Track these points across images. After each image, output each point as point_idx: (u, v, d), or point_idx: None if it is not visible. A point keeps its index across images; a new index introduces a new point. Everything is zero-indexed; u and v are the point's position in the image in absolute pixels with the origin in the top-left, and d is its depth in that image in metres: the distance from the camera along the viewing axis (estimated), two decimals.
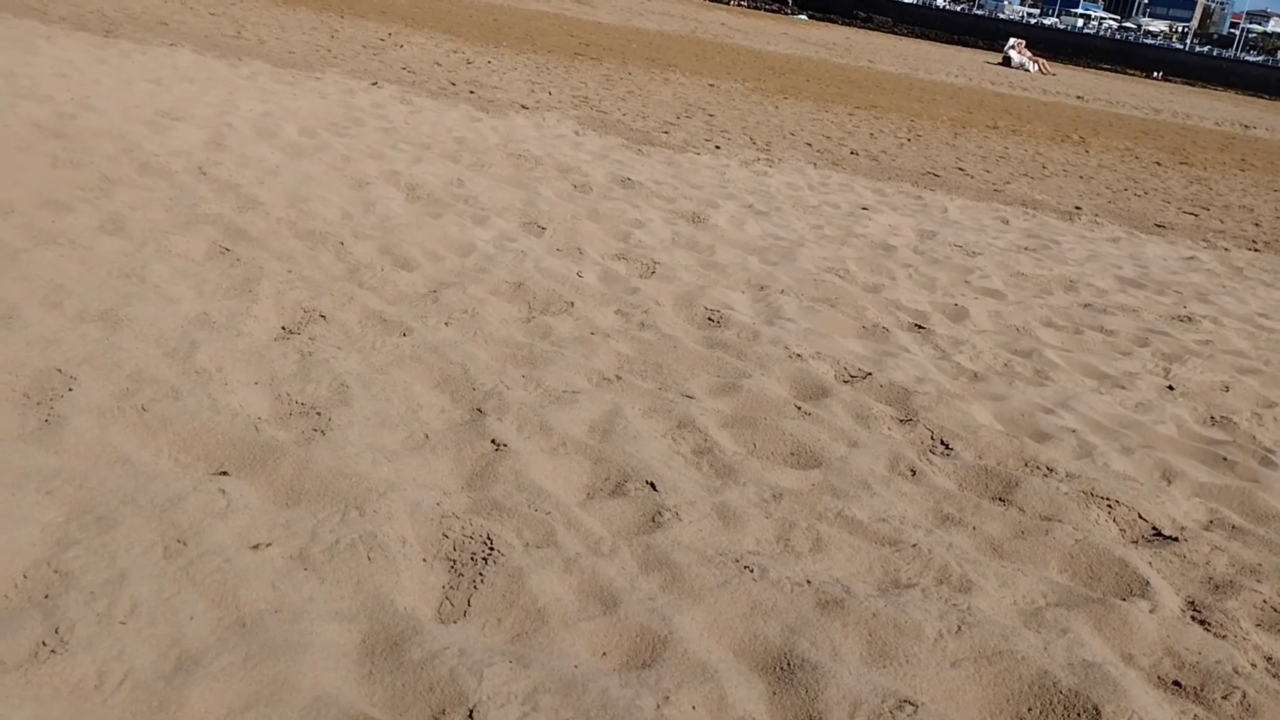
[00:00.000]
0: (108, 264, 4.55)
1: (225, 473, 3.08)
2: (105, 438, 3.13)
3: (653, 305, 5.17)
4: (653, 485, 3.32)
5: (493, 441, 3.45)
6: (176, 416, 3.30)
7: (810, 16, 72.44)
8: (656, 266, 5.89)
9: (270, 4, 17.93)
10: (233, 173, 6.40)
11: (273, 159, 6.96)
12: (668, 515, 3.15)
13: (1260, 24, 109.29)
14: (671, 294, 5.43)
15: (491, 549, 2.85)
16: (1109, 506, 3.64)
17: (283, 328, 4.22)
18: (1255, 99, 54.53)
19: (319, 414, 3.48)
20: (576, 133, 10.11)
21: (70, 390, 3.35)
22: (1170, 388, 5.18)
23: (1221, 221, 11.16)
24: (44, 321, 3.82)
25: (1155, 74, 64.34)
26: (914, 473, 3.73)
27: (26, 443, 3.02)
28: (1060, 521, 3.50)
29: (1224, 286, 7.85)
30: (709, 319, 5.11)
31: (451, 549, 2.86)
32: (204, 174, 6.26)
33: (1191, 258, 8.83)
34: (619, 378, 4.18)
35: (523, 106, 11.24)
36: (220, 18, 14.86)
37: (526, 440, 3.53)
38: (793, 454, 3.76)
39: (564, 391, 3.95)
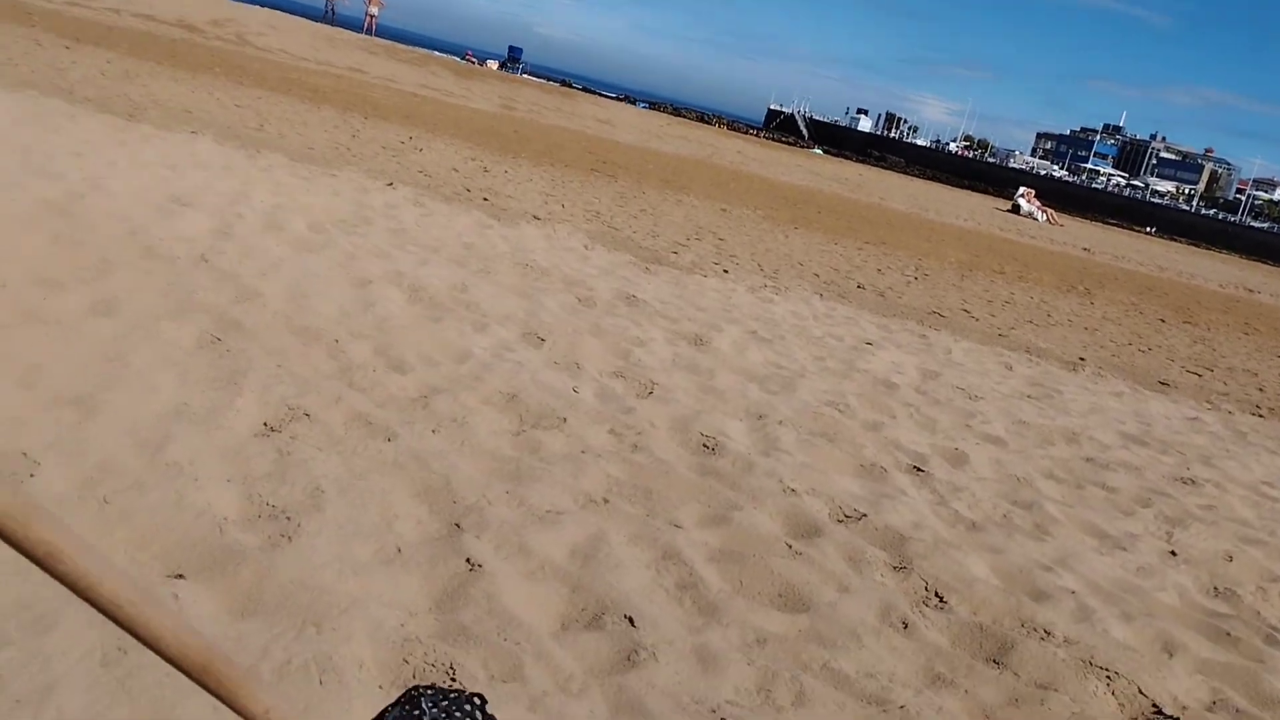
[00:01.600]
0: (92, 347, 4.44)
1: (181, 575, 2.92)
2: None
3: (647, 427, 5.05)
4: (631, 620, 3.15)
5: (468, 560, 3.29)
6: (138, 511, 3.16)
7: (825, 151, 74.00)
8: (654, 387, 5.78)
9: (296, 100, 18.26)
10: (235, 263, 6.35)
11: (277, 252, 6.92)
12: (644, 654, 2.98)
13: (1266, 191, 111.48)
14: (668, 417, 5.31)
15: (453, 679, 2.67)
16: (1108, 678, 3.46)
17: (264, 424, 4.09)
18: (1260, 264, 55.24)
19: (289, 518, 3.33)
20: (586, 246, 10.13)
21: (31, 476, 3.21)
22: (1173, 553, 5.01)
23: (1225, 384, 11.09)
24: (15, 402, 3.69)
25: (1149, 229, 65.45)
26: (906, 625, 3.55)
27: None
28: (1057, 691, 3.31)
29: (1228, 451, 7.73)
30: (704, 445, 4.98)
31: (411, 676, 2.68)
32: (206, 262, 6.21)
33: (1195, 419, 8.72)
34: (606, 500, 4.03)
35: (535, 217, 11.30)
36: (245, 110, 15.10)
37: (503, 561, 3.37)
38: (780, 595, 3.59)
39: (548, 511, 3.80)
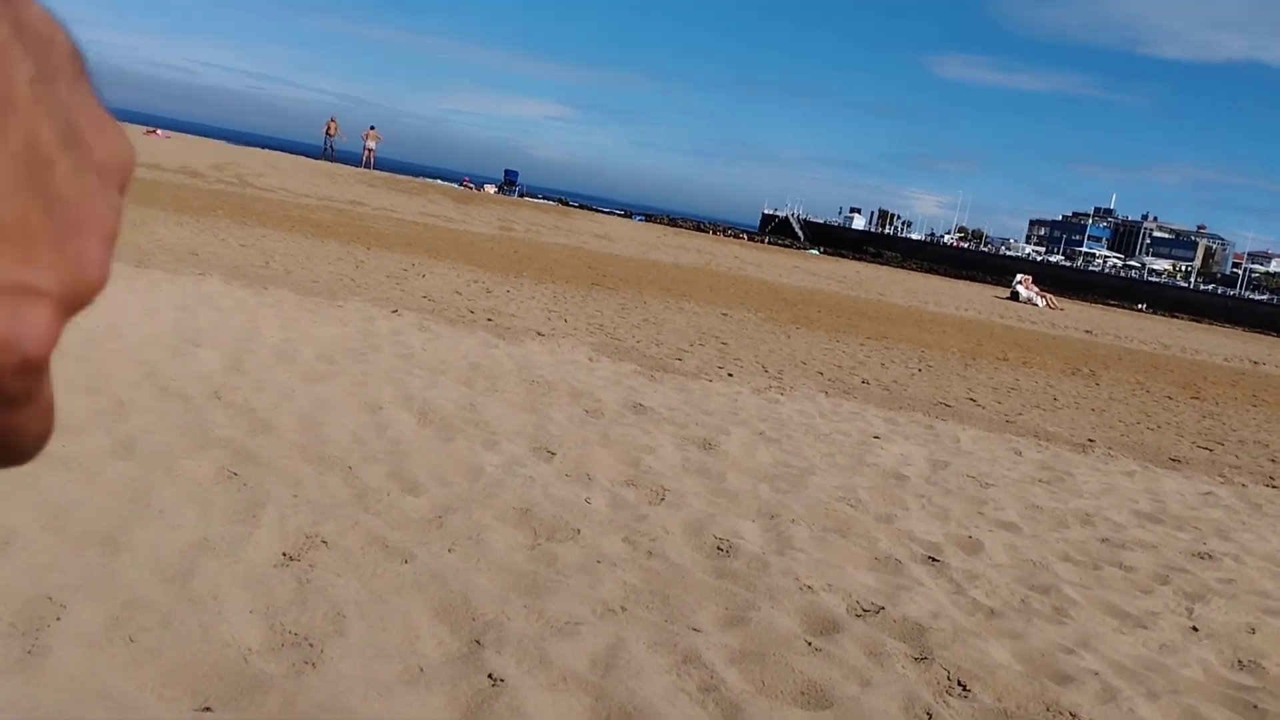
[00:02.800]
0: (115, 487, 4.54)
1: (209, 708, 2.97)
2: (90, 669, 3.03)
3: (661, 533, 5.10)
4: None
5: (490, 676, 3.33)
6: (165, 647, 3.21)
7: (821, 251, 74.91)
8: (666, 493, 5.84)
9: (300, 236, 18.67)
10: (248, 397, 6.48)
11: (289, 383, 7.06)
12: None
13: (1262, 264, 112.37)
14: (680, 521, 5.36)
15: None
16: None
17: (283, 553, 4.16)
18: (1262, 336, 55.36)
19: (312, 645, 3.38)
20: (590, 359, 10.28)
21: (59, 619, 3.27)
22: (1194, 628, 5.01)
23: (1237, 457, 11.10)
24: (42, 546, 3.77)
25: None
26: (930, 716, 3.56)
27: (6, 674, 2.93)
28: None
29: (1243, 523, 7.72)
30: (718, 548, 5.02)
31: None
32: (219, 398, 6.34)
33: (1209, 493, 8.73)
34: (624, 609, 4.07)
35: (538, 333, 11.48)
36: (250, 249, 15.45)
37: (525, 674, 3.40)
38: (803, 693, 3.61)
39: (566, 622, 3.83)
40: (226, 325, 8.80)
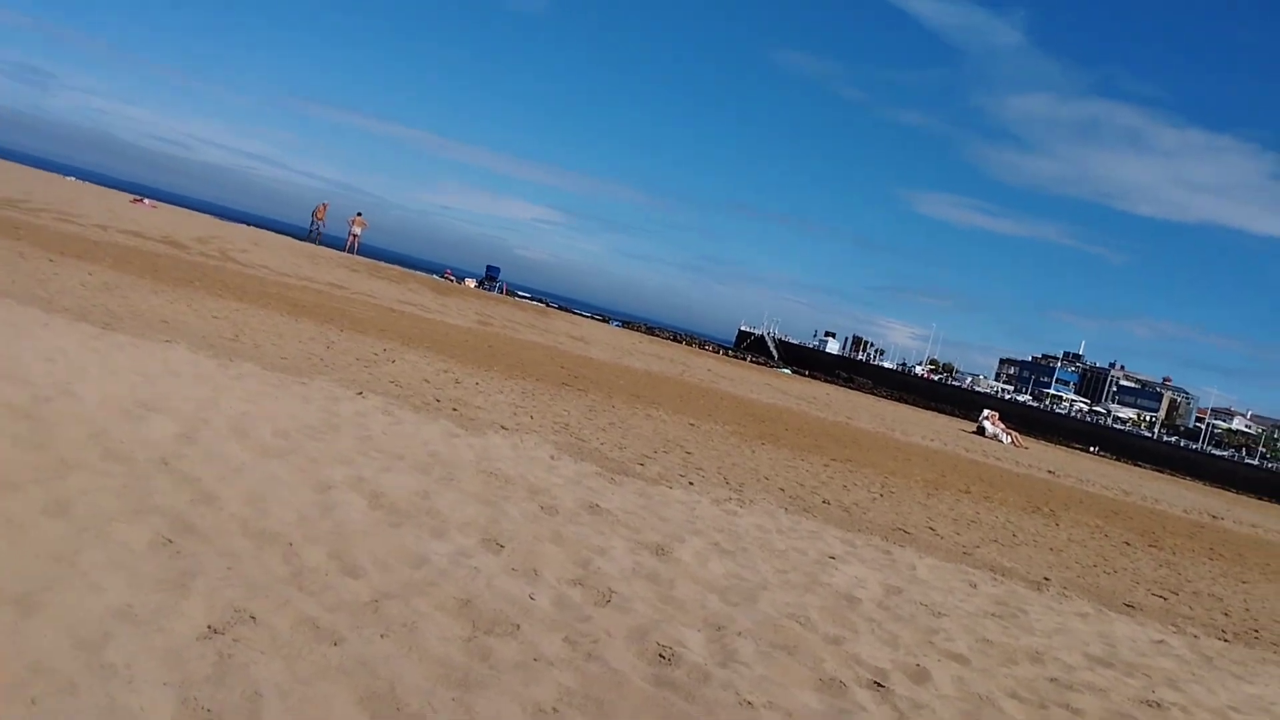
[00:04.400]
0: (41, 546, 4.39)
1: None
2: None
3: (603, 636, 4.97)
4: None
5: None
6: (64, 714, 3.06)
7: (794, 371, 75.47)
8: (613, 596, 5.71)
9: (275, 313, 18.60)
10: (196, 466, 6.34)
11: (240, 457, 6.93)
12: None
13: (1225, 420, 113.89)
14: (625, 626, 5.23)
15: None
16: None
17: (209, 627, 4.01)
18: (1222, 491, 55.89)
19: None
20: (552, 457, 10.18)
21: None
22: None
23: (1191, 608, 11.05)
24: None
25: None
26: None
27: None
28: None
29: (1194, 675, 7.64)
30: (660, 655, 4.89)
31: None
32: (166, 465, 6.20)
33: (1161, 641, 8.65)
34: (556, 710, 3.93)
35: (503, 427, 11.39)
36: (222, 321, 15.36)
37: None
38: None
39: None
40: (186, 394, 8.67)
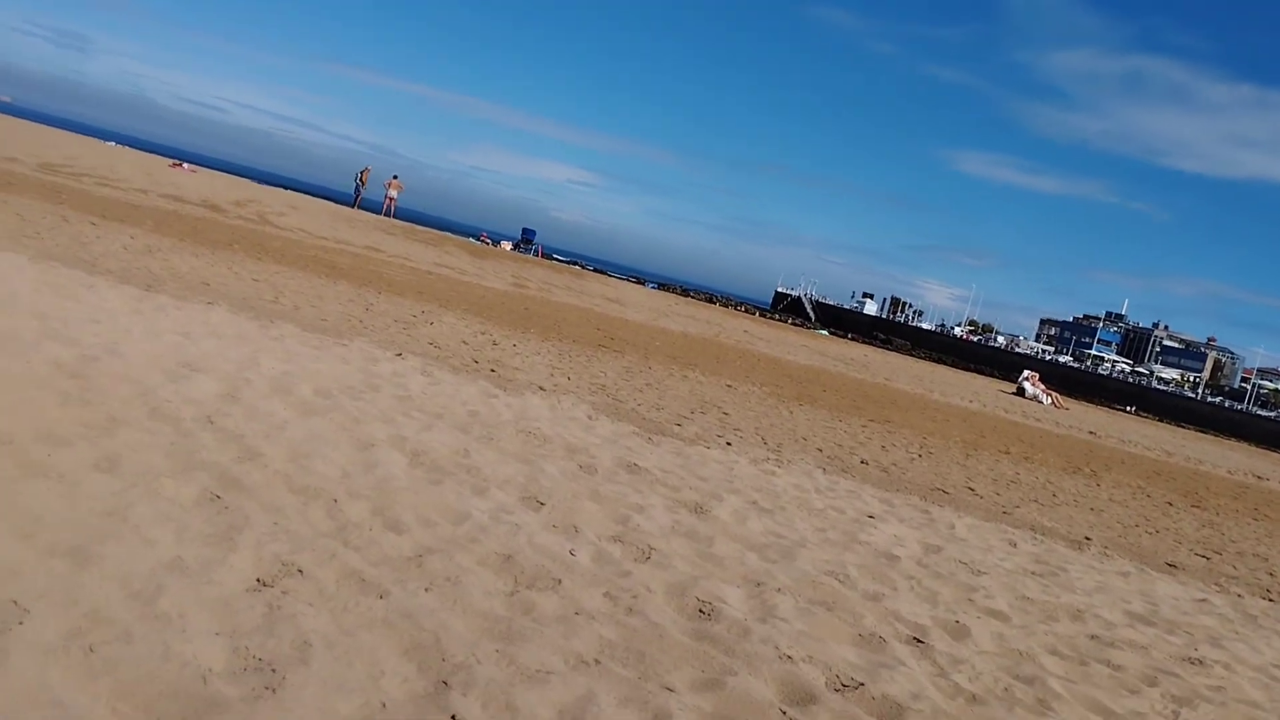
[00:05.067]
0: (92, 501, 4.48)
1: None
2: (44, 678, 2.95)
3: (643, 591, 5.01)
4: None
5: (453, 717, 3.24)
6: (124, 661, 3.13)
7: (831, 333, 75.08)
8: (652, 552, 5.76)
9: (313, 276, 18.74)
10: (240, 424, 6.43)
11: (283, 415, 7.01)
12: None
13: (1271, 380, 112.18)
14: (664, 582, 5.27)
15: None
16: None
17: (257, 579, 4.08)
18: (1268, 452, 55.12)
19: (274, 671, 3.30)
20: (590, 417, 10.22)
21: (20, 624, 3.20)
22: None
23: (1235, 568, 10.95)
24: (11, 552, 3.71)
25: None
26: None
27: None
28: None
29: (1237, 633, 7.58)
30: (700, 611, 4.92)
31: None
32: (211, 423, 6.29)
33: (1203, 600, 8.59)
34: (598, 662, 3.98)
35: (540, 388, 11.45)
36: (261, 284, 15.50)
37: (490, 719, 3.31)
38: None
39: (537, 671, 3.74)
40: (227, 354, 8.77)
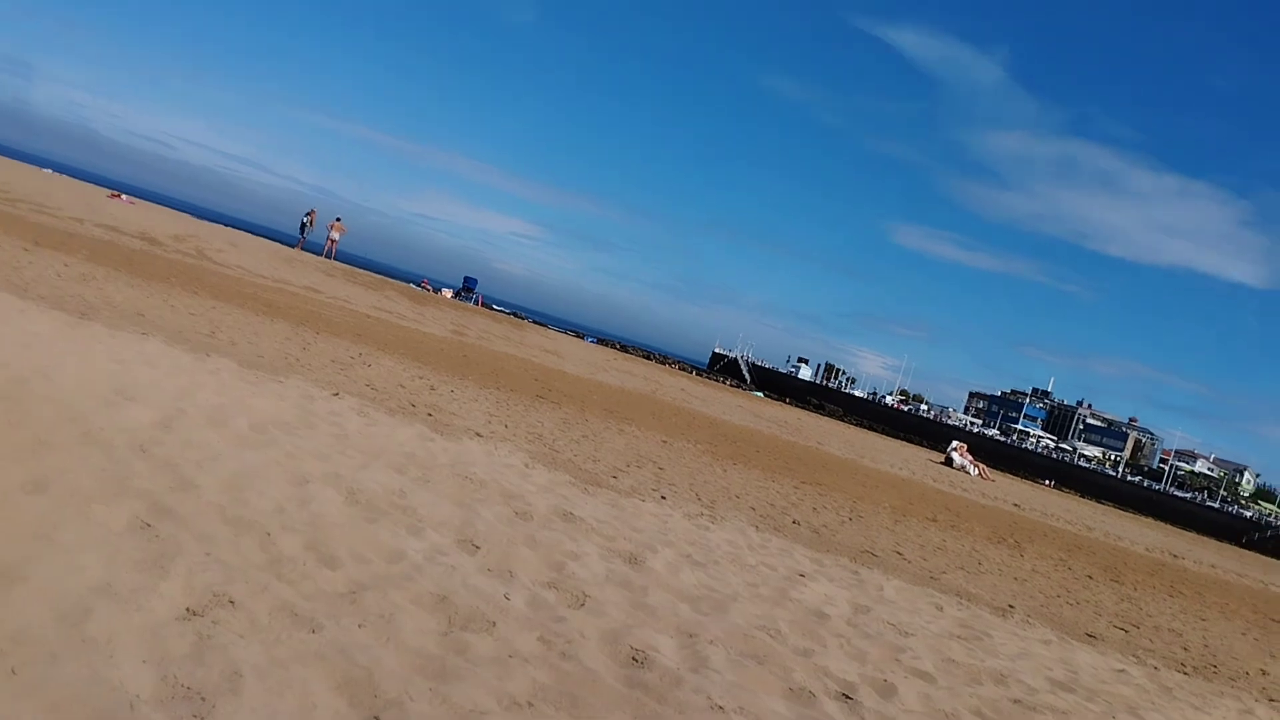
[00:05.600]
0: (20, 522, 4.38)
1: None
2: None
3: (577, 637, 5.00)
4: None
5: None
6: (49, 683, 3.07)
7: (766, 395, 75.68)
8: (587, 600, 5.75)
9: (250, 313, 18.53)
10: (173, 453, 6.33)
11: (218, 446, 6.92)
12: None
13: (1188, 463, 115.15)
14: (598, 628, 5.27)
15: None
16: None
17: (187, 608, 4.02)
18: (1184, 532, 56.49)
19: (204, 700, 3.25)
20: (526, 465, 10.20)
21: None
22: None
23: (1151, 641, 11.18)
24: None
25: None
26: None
27: None
28: None
29: (1153, 703, 7.74)
30: (633, 659, 4.93)
31: None
32: (144, 451, 6.19)
33: (1122, 670, 8.76)
34: (531, 704, 3.96)
35: (477, 434, 11.40)
36: (199, 318, 15.29)
37: None
38: None
39: (470, 711, 3.72)
40: (162, 384, 8.64)
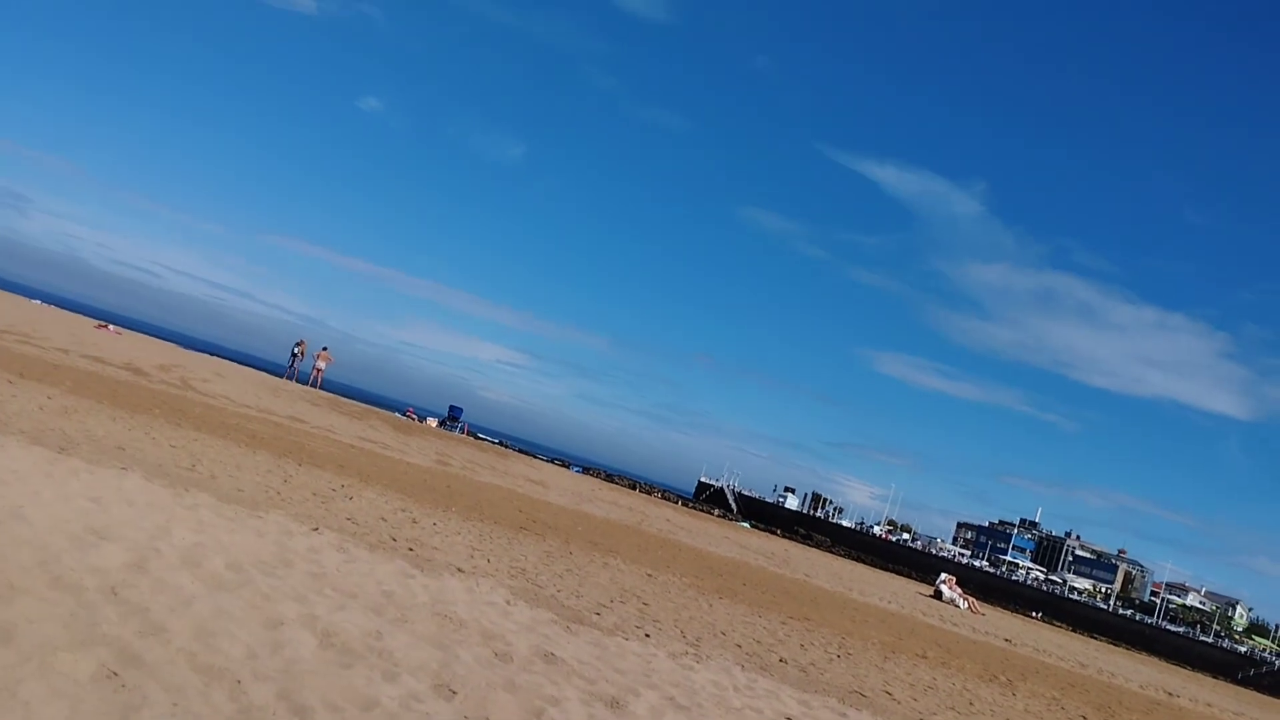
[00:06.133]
0: None
1: None
2: None
3: None
4: None
5: None
6: None
7: (753, 525, 75.13)
8: None
9: (232, 444, 18.42)
10: (145, 597, 6.21)
11: (191, 588, 6.79)
12: None
13: (1179, 596, 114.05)
14: None
15: None
16: None
17: None
18: (1178, 668, 55.58)
19: None
20: (508, 601, 10.03)
21: None
22: None
23: None
24: None
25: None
26: None
27: None
28: None
29: None
30: None
31: None
32: (114, 594, 6.07)
33: None
34: None
35: (459, 569, 11.23)
36: (179, 450, 15.19)
37: None
38: None
39: None
40: (138, 522, 8.53)
